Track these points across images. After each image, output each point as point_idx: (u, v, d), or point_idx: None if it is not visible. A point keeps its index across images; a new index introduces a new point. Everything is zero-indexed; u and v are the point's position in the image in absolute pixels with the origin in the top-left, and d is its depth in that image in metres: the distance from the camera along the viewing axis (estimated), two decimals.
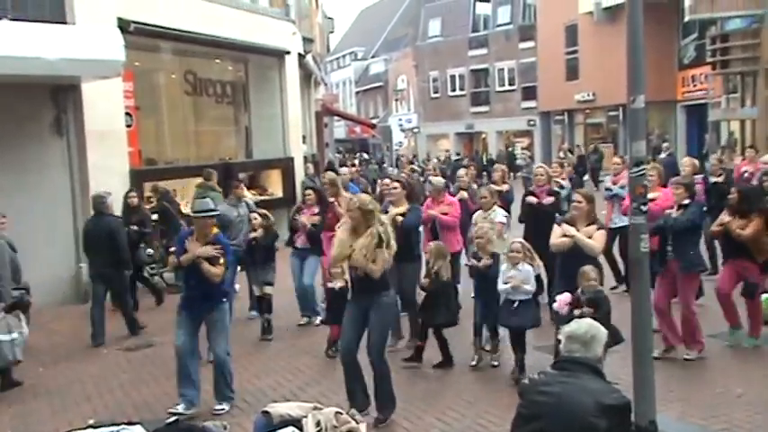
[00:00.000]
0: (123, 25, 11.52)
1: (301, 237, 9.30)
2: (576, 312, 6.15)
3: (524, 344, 7.09)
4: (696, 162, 10.25)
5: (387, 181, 10.34)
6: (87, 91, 11.28)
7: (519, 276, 6.96)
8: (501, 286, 7.04)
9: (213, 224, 6.72)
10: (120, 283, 9.28)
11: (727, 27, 21.29)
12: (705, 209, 9.06)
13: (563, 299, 6.48)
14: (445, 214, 8.85)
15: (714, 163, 11.23)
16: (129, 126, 12.51)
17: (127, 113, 12.42)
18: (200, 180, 12.10)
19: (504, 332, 7.44)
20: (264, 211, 9.37)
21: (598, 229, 7.00)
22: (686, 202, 7.34)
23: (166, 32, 13.43)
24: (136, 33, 11.99)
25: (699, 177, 9.99)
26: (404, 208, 8.01)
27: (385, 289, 6.02)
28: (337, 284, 7.40)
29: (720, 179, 10.39)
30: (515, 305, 6.96)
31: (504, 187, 10.36)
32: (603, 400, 3.45)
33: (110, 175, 11.49)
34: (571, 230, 6.92)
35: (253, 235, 8.98)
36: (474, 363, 7.44)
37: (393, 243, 5.96)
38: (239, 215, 9.46)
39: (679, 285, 7.38)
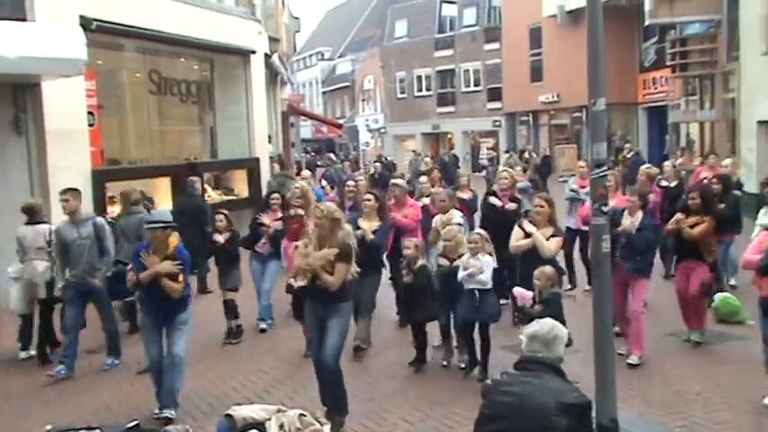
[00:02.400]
0: (85, 23, 11.36)
1: (264, 241, 9.20)
2: (529, 306, 6.35)
3: (488, 340, 7.13)
4: (652, 171, 10.42)
5: (351, 183, 10.37)
6: (48, 89, 11.09)
7: (477, 264, 7.03)
8: (460, 274, 7.11)
9: (170, 236, 6.41)
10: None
11: (686, 31, 21.70)
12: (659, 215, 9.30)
13: (525, 294, 6.59)
14: (406, 217, 8.90)
15: (669, 168, 11.43)
16: (91, 125, 12.32)
17: (89, 112, 12.23)
18: (164, 180, 11.95)
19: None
20: (224, 213, 9.11)
21: (555, 234, 7.26)
22: (640, 214, 7.53)
23: (130, 31, 13.28)
24: (98, 31, 11.85)
25: (659, 185, 10.15)
26: (375, 225, 8.01)
27: (343, 300, 6.03)
28: (298, 282, 7.40)
29: (674, 184, 10.60)
30: (476, 298, 7.01)
31: (468, 195, 10.39)
32: (564, 399, 3.50)
33: (71, 174, 11.27)
34: (531, 228, 7.21)
35: (217, 238, 8.87)
36: (445, 363, 7.48)
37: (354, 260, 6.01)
38: (79, 236, 7.76)
39: (630, 288, 7.55)
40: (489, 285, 7.06)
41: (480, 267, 6.99)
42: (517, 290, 6.66)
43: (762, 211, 8.01)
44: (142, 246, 6.54)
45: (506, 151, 28.70)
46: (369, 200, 8.23)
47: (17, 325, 8.47)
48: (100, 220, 7.94)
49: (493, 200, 9.35)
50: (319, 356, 6.01)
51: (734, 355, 7.47)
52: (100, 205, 12.17)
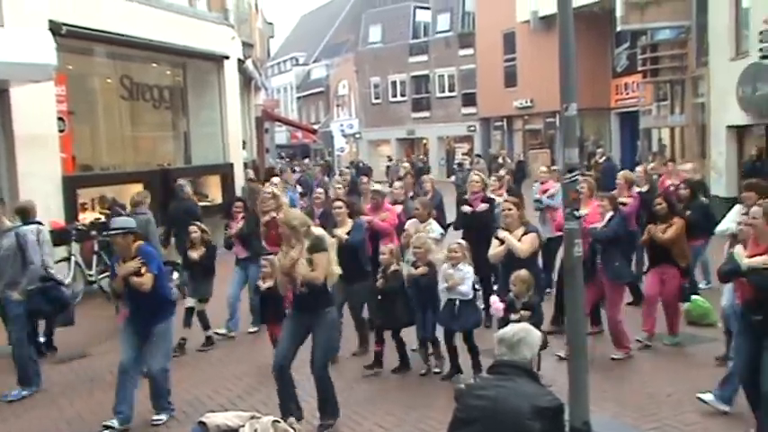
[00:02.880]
0: (55, 28, 11.25)
1: (238, 248, 9.28)
2: (514, 317, 6.27)
3: (474, 344, 7.16)
4: (630, 175, 10.48)
5: (319, 190, 10.35)
6: (16, 95, 10.96)
7: (457, 275, 7.05)
8: (441, 285, 7.13)
9: (132, 239, 6.43)
10: None
11: (657, 37, 22.00)
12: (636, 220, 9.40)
13: (497, 305, 6.67)
14: (384, 221, 8.89)
15: (640, 173, 11.53)
16: (61, 131, 12.18)
17: (59, 118, 12.09)
18: (137, 186, 11.88)
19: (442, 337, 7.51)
20: (199, 225, 9.02)
21: (527, 232, 7.29)
22: (610, 214, 7.64)
23: (101, 36, 13.15)
24: (69, 36, 11.73)
25: (635, 191, 10.20)
26: (348, 227, 8.02)
27: (328, 305, 6.05)
28: (266, 284, 7.38)
29: (646, 189, 10.69)
30: (456, 307, 7.02)
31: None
32: (537, 402, 3.52)
33: (41, 181, 11.17)
34: (502, 233, 7.30)
35: (191, 256, 8.76)
36: (424, 371, 7.45)
37: (333, 255, 6.04)
38: (1, 248, 7.38)
39: (607, 294, 7.66)
40: (470, 296, 7.08)
41: (461, 278, 6.99)
42: (494, 303, 6.73)
43: (736, 208, 8.05)
44: (117, 258, 6.59)
45: (477, 155, 28.83)
46: (339, 207, 8.23)
47: None
48: (24, 230, 7.49)
49: (464, 208, 9.32)
50: (279, 366, 6.02)
51: (705, 357, 7.55)
52: (71, 212, 12.04)
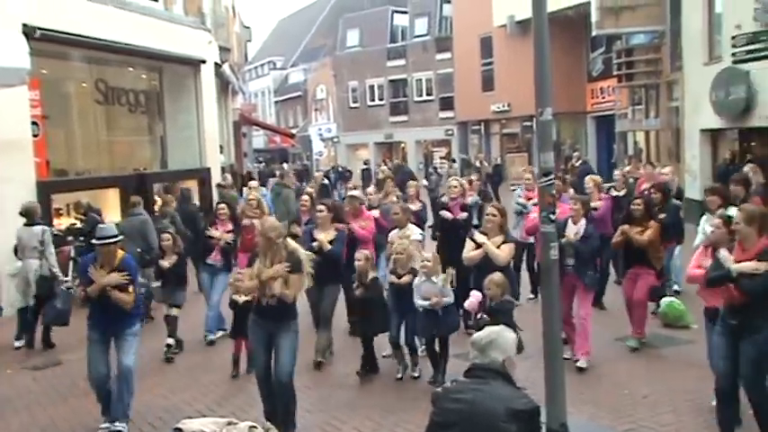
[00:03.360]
0: (29, 31, 11.14)
1: (215, 253, 9.11)
2: (479, 316, 6.46)
3: (447, 349, 7.19)
4: (599, 179, 10.58)
5: (305, 198, 10.29)
6: None
7: (434, 290, 7.04)
8: (419, 302, 7.10)
9: (118, 248, 6.35)
10: None
11: (632, 42, 22.23)
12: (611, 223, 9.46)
13: (472, 300, 6.70)
14: (363, 229, 8.88)
15: (618, 177, 11.64)
16: (35, 136, 12.07)
17: (33, 123, 11.97)
18: (113, 191, 11.91)
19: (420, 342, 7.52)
20: (171, 233, 8.98)
21: (506, 242, 7.36)
22: (583, 222, 7.69)
23: (76, 40, 13.03)
24: (43, 40, 11.61)
25: (605, 195, 10.30)
26: (331, 235, 7.98)
27: (293, 318, 6.04)
28: (241, 298, 7.32)
29: (622, 193, 10.80)
30: (438, 314, 7.04)
31: (417, 205, 10.39)
32: (513, 405, 3.52)
33: (15, 186, 11.05)
34: (482, 238, 7.30)
35: (162, 264, 8.67)
36: (399, 375, 7.45)
37: (308, 268, 6.02)
38: None
39: (579, 297, 7.68)
40: (451, 302, 7.09)
41: (441, 294, 6.99)
42: (467, 304, 6.77)
43: (703, 218, 8.20)
44: (89, 259, 6.44)
45: (452, 160, 28.94)
46: (321, 210, 8.20)
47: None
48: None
49: (444, 213, 9.31)
50: (274, 374, 5.99)
51: (680, 359, 7.64)
52: (46, 217, 11.88)
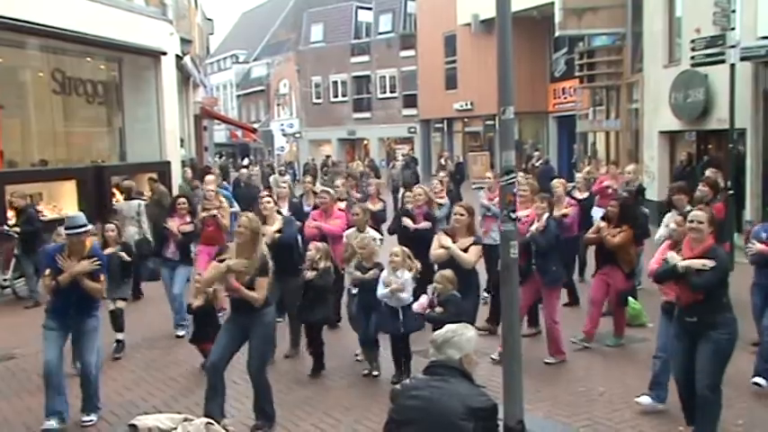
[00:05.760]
0: None
1: (171, 247, 9.00)
2: (427, 311, 6.67)
3: (409, 348, 7.18)
4: (565, 182, 10.64)
5: (264, 194, 10.19)
6: None
7: (396, 282, 7.03)
8: (380, 291, 7.09)
9: (87, 238, 6.36)
10: None
11: (594, 43, 22.53)
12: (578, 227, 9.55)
13: (420, 302, 6.85)
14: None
15: (580, 180, 11.77)
16: None
17: None
18: (69, 183, 11.73)
19: (382, 340, 7.49)
20: (116, 224, 8.74)
21: (474, 243, 7.30)
22: (546, 215, 7.77)
23: (32, 28, 12.76)
24: None
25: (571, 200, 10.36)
26: (278, 224, 7.93)
27: (266, 306, 5.98)
28: (196, 302, 7.21)
29: (585, 195, 10.94)
30: (399, 312, 7.02)
31: (378, 206, 10.28)
32: (471, 403, 3.53)
33: None
34: (447, 242, 7.22)
35: (108, 251, 8.31)
36: (366, 372, 7.41)
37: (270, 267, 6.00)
38: None
39: (544, 298, 7.76)
40: (410, 302, 7.05)
41: (401, 285, 6.97)
42: (416, 306, 6.90)
43: (668, 215, 8.31)
44: (57, 248, 6.42)
45: (413, 158, 28.93)
46: (268, 202, 8.16)
47: None
48: None
49: (406, 221, 9.22)
50: (214, 367, 5.94)
51: (636, 356, 7.75)
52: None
